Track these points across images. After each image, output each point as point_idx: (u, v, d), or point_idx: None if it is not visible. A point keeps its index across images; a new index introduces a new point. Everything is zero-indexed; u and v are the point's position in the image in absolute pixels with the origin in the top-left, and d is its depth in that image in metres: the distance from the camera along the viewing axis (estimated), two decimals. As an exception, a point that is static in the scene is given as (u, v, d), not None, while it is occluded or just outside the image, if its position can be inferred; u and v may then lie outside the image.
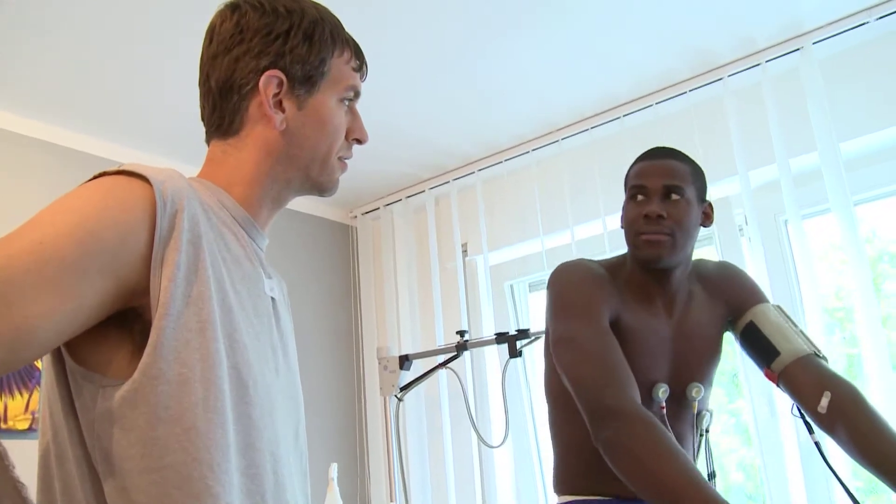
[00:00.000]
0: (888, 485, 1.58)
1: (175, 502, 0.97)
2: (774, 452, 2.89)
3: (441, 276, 3.97)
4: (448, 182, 3.96)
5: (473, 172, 3.86)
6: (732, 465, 3.21)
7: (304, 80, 1.24)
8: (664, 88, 3.29)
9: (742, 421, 3.10)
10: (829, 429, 1.71)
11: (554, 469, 1.96)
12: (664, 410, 1.82)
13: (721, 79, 3.15)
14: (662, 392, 1.83)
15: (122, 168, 1.06)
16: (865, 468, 1.64)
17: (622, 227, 1.92)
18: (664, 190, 1.83)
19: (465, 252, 3.99)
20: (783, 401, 2.83)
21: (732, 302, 1.96)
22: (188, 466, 0.99)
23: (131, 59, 2.87)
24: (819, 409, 1.71)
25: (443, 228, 4.05)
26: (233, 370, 1.08)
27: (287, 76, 1.23)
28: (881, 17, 2.84)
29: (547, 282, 1.89)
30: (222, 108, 1.26)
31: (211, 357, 1.04)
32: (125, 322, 1.04)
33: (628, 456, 1.50)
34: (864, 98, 2.94)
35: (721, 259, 3.02)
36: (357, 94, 1.32)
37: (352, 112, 1.32)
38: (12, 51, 2.74)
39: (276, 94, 1.23)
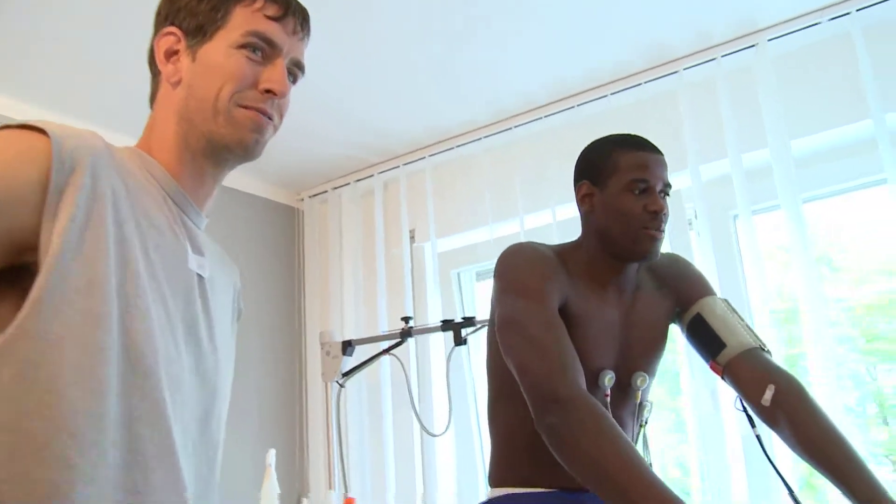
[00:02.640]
0: (828, 478, 1.56)
1: (24, 468, 0.88)
2: (716, 447, 2.84)
3: (387, 263, 3.86)
4: (398, 167, 3.85)
5: (423, 158, 3.76)
6: (671, 462, 3.16)
7: (196, 31, 1.18)
8: (619, 79, 3.22)
9: (682, 418, 3.05)
10: (772, 422, 1.70)
11: (491, 459, 1.88)
12: (608, 398, 1.77)
13: (676, 72, 3.08)
14: (609, 379, 1.77)
15: (25, 123, 0.99)
16: (806, 461, 1.62)
17: (604, 216, 1.80)
18: (663, 187, 1.79)
19: (412, 238, 3.89)
20: (726, 396, 2.79)
21: (680, 294, 1.92)
22: (47, 434, 0.90)
23: (84, 36, 2.72)
24: (763, 402, 1.69)
25: (391, 214, 3.94)
26: (126, 337, 0.98)
27: (182, 31, 1.19)
28: (833, 18, 2.81)
29: (495, 263, 1.81)
30: (150, 80, 1.25)
31: (95, 320, 0.95)
32: (17, 278, 0.96)
33: (572, 443, 1.44)
34: (816, 97, 2.90)
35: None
36: (267, 41, 1.20)
37: (267, 61, 1.21)
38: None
39: (175, 52, 1.19)
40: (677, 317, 1.93)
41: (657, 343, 1.89)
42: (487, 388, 1.89)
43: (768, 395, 1.68)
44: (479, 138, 3.58)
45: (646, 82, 3.14)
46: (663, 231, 1.77)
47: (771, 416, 1.69)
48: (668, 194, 1.80)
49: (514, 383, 1.63)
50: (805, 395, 1.69)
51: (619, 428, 1.44)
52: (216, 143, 1.18)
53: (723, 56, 2.99)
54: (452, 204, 3.71)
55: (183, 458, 1.06)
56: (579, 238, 1.89)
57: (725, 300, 1.90)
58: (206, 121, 1.16)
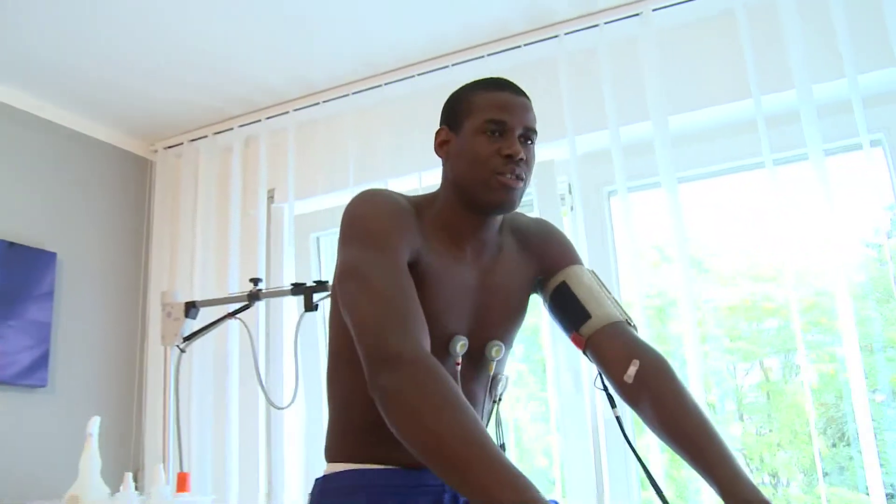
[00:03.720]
0: (690, 463, 1.39)
1: None
2: (578, 433, 2.66)
3: (243, 223, 3.51)
4: (259, 121, 3.50)
5: (287, 113, 3.42)
6: (539, 451, 2.99)
7: None
8: (497, 40, 2.96)
9: (550, 409, 2.89)
10: (634, 401, 1.51)
11: (327, 431, 1.63)
12: (459, 367, 1.55)
13: (557, 36, 2.86)
14: (461, 346, 1.55)
15: None
16: (667, 444, 1.45)
17: (458, 162, 1.58)
18: (524, 132, 1.56)
19: (271, 199, 3.56)
20: (590, 381, 2.61)
21: (545, 260, 1.70)
22: None
23: None
24: (626, 379, 1.50)
25: (249, 171, 3.59)
26: None
27: None
28: (717, -7, 2.66)
29: (343, 211, 1.56)
30: None
31: None
32: None
33: (408, 408, 1.21)
34: (697, 74, 2.75)
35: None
36: None
37: None
38: None
39: None
40: (539, 285, 1.72)
41: (516, 311, 1.68)
42: (328, 352, 1.65)
43: (632, 370, 1.49)
44: (347, 94, 3.28)
45: (525, 45, 2.91)
46: (522, 180, 1.55)
47: (633, 395, 1.50)
48: (531, 141, 1.59)
49: (354, 345, 1.39)
50: (671, 374, 1.51)
51: (464, 397, 1.22)
52: None
53: (606, 23, 2.79)
54: (314, 164, 3.38)
55: None
56: (437, 190, 1.66)
57: (593, 271, 1.71)
58: None
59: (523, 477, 1.09)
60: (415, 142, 3.05)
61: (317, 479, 1.60)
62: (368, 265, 1.41)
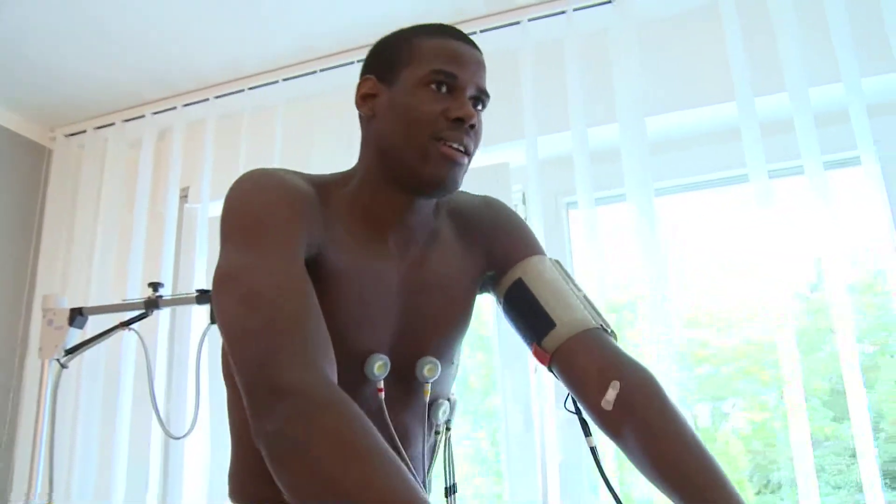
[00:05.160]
0: None
1: None
2: (526, 478, 2.27)
3: (150, 223, 3.03)
4: (175, 108, 3.04)
5: (208, 100, 2.98)
6: (469, 494, 2.60)
7: None
8: (453, 23, 2.58)
9: (481, 448, 2.57)
10: (614, 431, 1.18)
11: (229, 467, 1.29)
12: (383, 394, 1.22)
13: (519, 22, 2.50)
14: (380, 367, 1.21)
15: None
16: (656, 483, 1.11)
17: (388, 121, 1.21)
18: (477, 93, 1.23)
19: (185, 198, 3.10)
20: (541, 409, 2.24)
21: (496, 250, 1.35)
22: None
23: None
24: (603, 405, 1.17)
25: (161, 167, 3.12)
26: None
27: None
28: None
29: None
30: None
31: None
32: None
33: (303, 460, 0.86)
34: (676, 71, 2.43)
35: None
36: None
37: None
38: None
39: None
40: (491, 283, 1.36)
41: (453, 316, 1.31)
42: (223, 374, 1.28)
43: (611, 395, 1.16)
44: (276, 81, 2.85)
45: (482, 31, 2.53)
46: (469, 154, 1.21)
47: (613, 424, 1.17)
48: (483, 106, 1.25)
49: None
50: (661, 396, 1.17)
51: (379, 437, 0.89)
52: None
53: (575, 10, 2.45)
54: (235, 162, 2.90)
55: None
56: (354, 166, 1.29)
57: (557, 262, 1.34)
58: None
59: None
60: (348, 137, 2.63)
61: None
62: (251, 269, 1.05)
